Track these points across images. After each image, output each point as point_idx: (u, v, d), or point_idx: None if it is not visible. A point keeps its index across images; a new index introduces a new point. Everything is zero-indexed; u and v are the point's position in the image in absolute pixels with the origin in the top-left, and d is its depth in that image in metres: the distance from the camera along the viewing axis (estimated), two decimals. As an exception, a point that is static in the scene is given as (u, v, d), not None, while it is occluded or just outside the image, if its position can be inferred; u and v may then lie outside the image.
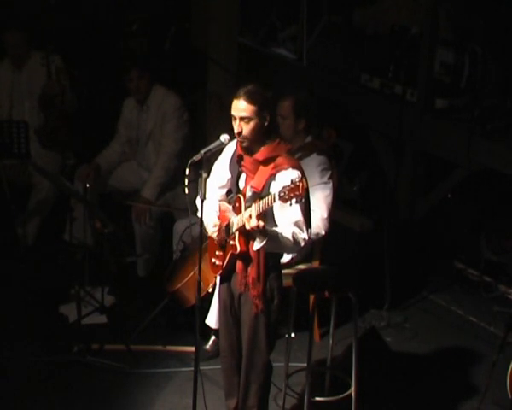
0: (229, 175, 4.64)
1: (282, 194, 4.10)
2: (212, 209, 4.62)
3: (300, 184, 4.08)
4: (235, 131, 4.40)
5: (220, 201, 4.66)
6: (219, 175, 4.68)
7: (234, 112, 4.40)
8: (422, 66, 6.64)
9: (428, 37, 6.60)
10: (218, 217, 4.60)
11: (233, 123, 4.42)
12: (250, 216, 4.25)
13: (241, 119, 4.37)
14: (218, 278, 4.73)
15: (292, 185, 4.09)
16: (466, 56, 6.65)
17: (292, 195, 4.09)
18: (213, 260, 4.64)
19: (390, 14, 7.35)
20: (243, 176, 4.53)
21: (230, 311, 4.64)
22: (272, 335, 4.62)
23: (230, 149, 4.60)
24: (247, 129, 4.38)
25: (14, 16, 7.30)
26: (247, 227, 4.27)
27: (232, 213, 4.51)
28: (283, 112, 5.66)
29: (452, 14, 6.88)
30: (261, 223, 4.23)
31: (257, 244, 4.34)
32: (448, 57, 6.73)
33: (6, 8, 7.50)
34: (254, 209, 4.25)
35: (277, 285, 4.57)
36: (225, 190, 4.73)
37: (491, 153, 6.24)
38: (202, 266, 4.52)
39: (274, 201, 4.16)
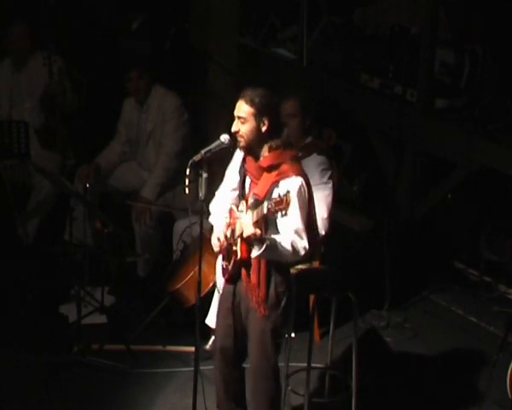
0: (239, 178, 4.65)
1: (269, 206, 4.13)
2: (221, 213, 4.63)
3: (285, 198, 4.11)
4: (232, 129, 4.44)
5: (232, 204, 4.66)
6: (231, 178, 4.70)
7: (235, 110, 4.45)
8: (422, 66, 6.64)
9: (428, 37, 6.60)
10: (229, 223, 4.59)
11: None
12: (246, 224, 4.27)
13: (238, 118, 4.42)
14: (223, 280, 4.73)
15: (278, 199, 4.12)
16: (466, 56, 6.65)
17: (277, 208, 4.12)
18: (223, 263, 4.66)
19: (390, 14, 7.36)
20: (248, 181, 4.56)
21: (231, 310, 4.64)
22: (278, 339, 4.61)
23: (240, 152, 4.61)
24: (242, 129, 4.41)
25: (19, 12, 7.32)
26: (244, 235, 4.30)
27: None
28: (291, 110, 5.64)
29: (452, 14, 6.88)
30: (258, 231, 4.26)
31: (254, 252, 4.36)
32: (448, 57, 6.73)
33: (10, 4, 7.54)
34: (250, 217, 4.27)
35: (284, 289, 4.55)
36: (237, 193, 4.72)
37: (491, 153, 6.24)
38: (202, 266, 4.53)
39: (263, 212, 4.19)
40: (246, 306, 4.58)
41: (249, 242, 4.35)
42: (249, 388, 4.72)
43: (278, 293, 4.52)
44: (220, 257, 4.72)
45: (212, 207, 4.72)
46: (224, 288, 4.75)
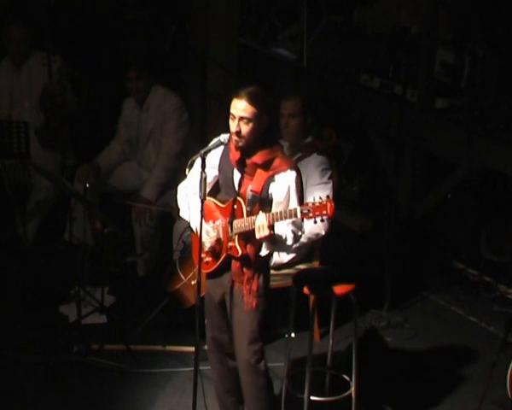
0: (216, 173, 4.62)
1: (305, 211, 4.12)
2: (196, 208, 4.56)
3: (329, 205, 4.09)
4: (233, 129, 4.39)
5: (213, 199, 4.63)
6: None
7: (234, 111, 4.39)
8: (422, 66, 6.64)
9: (428, 37, 6.60)
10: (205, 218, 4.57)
11: (230, 121, 4.42)
12: (262, 226, 4.26)
13: (241, 119, 4.37)
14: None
15: (318, 204, 4.10)
16: (466, 56, 6.65)
17: (318, 213, 4.10)
18: (204, 256, 4.63)
19: (390, 14, 7.36)
20: (237, 177, 4.53)
21: (220, 305, 4.66)
22: (262, 331, 4.64)
23: (219, 147, 4.57)
24: (245, 130, 4.38)
25: (19, 11, 7.33)
26: (257, 236, 4.29)
27: (219, 212, 4.51)
28: (292, 110, 5.64)
29: (452, 14, 6.88)
30: (272, 232, 4.28)
31: (264, 251, 4.39)
32: (448, 57, 6.73)
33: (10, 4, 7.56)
34: (266, 219, 4.26)
35: (267, 283, 4.61)
36: (209, 189, 4.70)
37: (491, 153, 6.24)
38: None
39: (295, 216, 4.17)
40: (230, 298, 4.59)
41: (259, 241, 4.37)
42: (241, 383, 4.73)
43: (265, 286, 4.56)
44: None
45: (181, 200, 4.67)
46: (209, 283, 4.73)
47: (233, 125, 4.40)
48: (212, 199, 4.60)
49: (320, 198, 4.15)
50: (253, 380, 4.65)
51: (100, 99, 7.83)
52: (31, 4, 7.59)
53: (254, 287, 4.51)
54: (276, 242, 4.37)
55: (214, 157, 4.59)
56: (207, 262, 4.62)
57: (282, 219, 4.24)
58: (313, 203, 4.11)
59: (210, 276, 4.68)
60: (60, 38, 7.31)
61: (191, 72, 8.01)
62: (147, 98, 6.58)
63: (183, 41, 8.24)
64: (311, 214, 4.10)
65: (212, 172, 4.63)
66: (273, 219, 4.26)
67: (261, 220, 4.28)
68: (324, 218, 4.13)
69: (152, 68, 6.64)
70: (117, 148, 6.80)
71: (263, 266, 4.56)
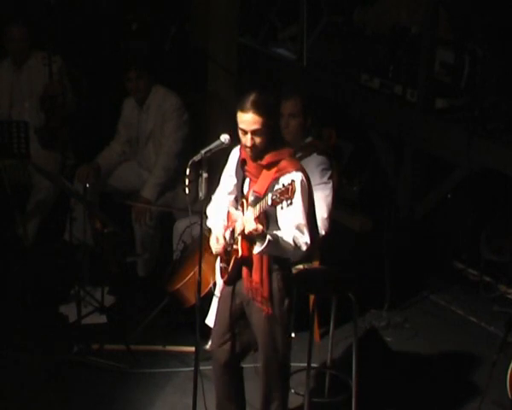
0: (236, 181, 4.64)
1: (273, 197, 4.11)
2: (219, 217, 4.61)
3: (290, 188, 4.09)
4: (248, 144, 4.35)
5: (230, 207, 4.65)
6: (227, 181, 4.67)
7: (243, 126, 4.34)
8: (422, 66, 6.64)
9: (428, 37, 6.60)
10: (227, 225, 4.58)
11: (241, 136, 4.38)
12: (249, 220, 4.26)
13: (253, 132, 4.33)
14: (222, 281, 4.72)
15: (283, 188, 4.10)
16: (466, 56, 6.65)
17: (282, 198, 4.10)
18: (222, 264, 4.64)
19: (390, 14, 7.36)
20: (247, 180, 4.54)
21: (230, 314, 4.63)
22: (286, 335, 4.60)
23: (236, 154, 4.59)
24: (258, 141, 4.34)
25: (19, 11, 7.34)
26: (246, 231, 4.28)
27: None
28: (293, 110, 5.64)
29: (452, 14, 6.88)
30: (259, 226, 4.24)
31: (257, 248, 4.35)
32: (448, 57, 6.73)
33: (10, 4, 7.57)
34: (251, 213, 4.26)
35: (286, 286, 4.52)
36: (233, 196, 4.71)
37: (491, 153, 6.24)
38: (202, 266, 4.52)
39: (267, 204, 4.17)
40: (248, 306, 4.56)
41: (251, 238, 4.35)
42: (260, 386, 4.70)
43: (281, 289, 4.49)
44: (219, 258, 4.70)
45: (210, 210, 4.71)
46: (222, 290, 4.73)
47: (246, 140, 4.35)
48: (233, 208, 4.61)
49: (283, 184, 4.16)
50: (273, 384, 4.61)
51: (100, 99, 7.83)
52: (31, 4, 7.60)
53: (265, 292, 4.45)
54: (264, 238, 4.29)
55: (232, 165, 4.61)
56: (225, 269, 4.61)
57: (261, 209, 4.23)
58: (279, 189, 4.13)
59: (228, 283, 4.65)
60: (60, 38, 7.31)
61: (191, 72, 8.01)
62: (147, 98, 6.58)
63: (183, 41, 8.24)
64: (278, 200, 4.11)
65: (232, 181, 4.64)
66: (256, 211, 4.25)
67: (247, 214, 4.29)
68: (289, 202, 4.13)
69: (152, 68, 6.64)
70: (117, 148, 6.81)
71: (275, 270, 4.49)
